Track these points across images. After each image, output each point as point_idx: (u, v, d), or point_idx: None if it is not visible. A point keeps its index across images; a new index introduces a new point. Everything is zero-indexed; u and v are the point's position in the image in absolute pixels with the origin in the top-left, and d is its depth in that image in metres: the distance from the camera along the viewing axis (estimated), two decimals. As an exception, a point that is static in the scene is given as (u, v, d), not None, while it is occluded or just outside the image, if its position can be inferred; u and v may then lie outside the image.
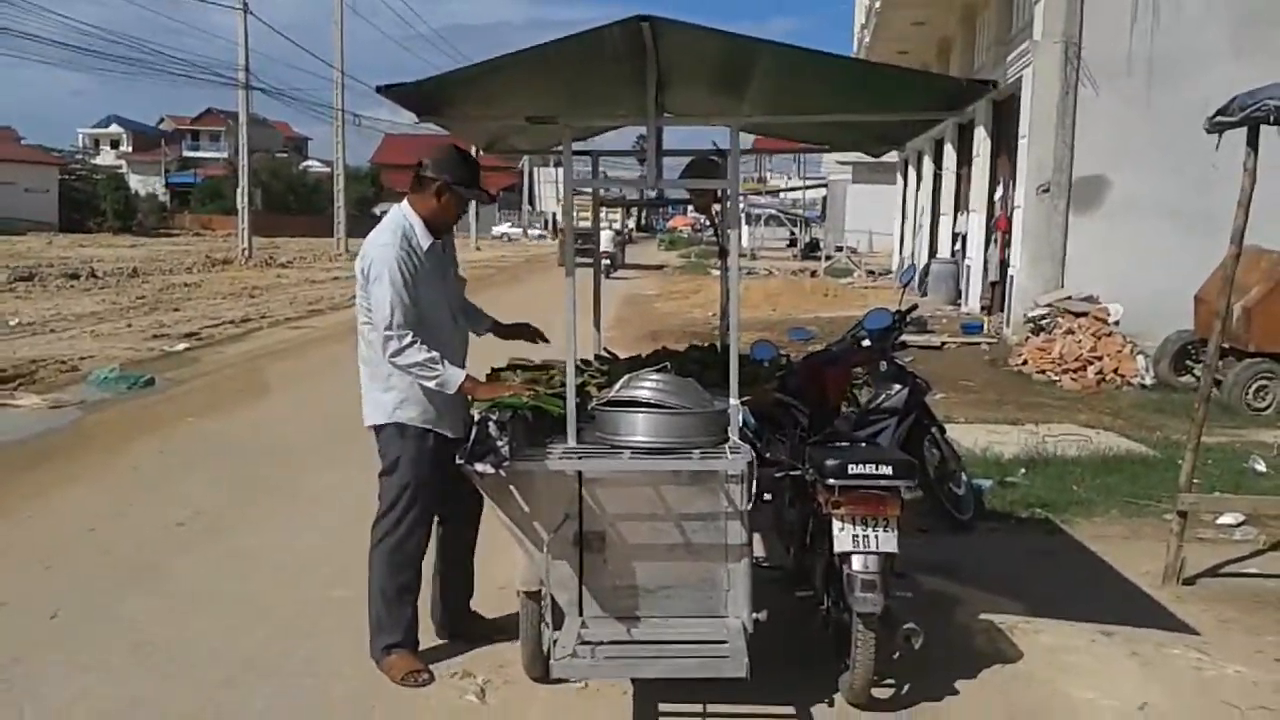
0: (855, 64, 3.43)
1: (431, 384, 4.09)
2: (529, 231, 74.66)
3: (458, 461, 3.73)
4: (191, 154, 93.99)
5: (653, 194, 5.11)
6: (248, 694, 4.36)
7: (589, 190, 5.27)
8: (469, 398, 4.23)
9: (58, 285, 24.75)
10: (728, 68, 3.66)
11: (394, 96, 3.51)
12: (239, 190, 39.11)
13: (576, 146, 5.22)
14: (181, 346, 15.04)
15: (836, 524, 3.99)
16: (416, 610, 4.48)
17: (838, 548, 3.98)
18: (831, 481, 3.96)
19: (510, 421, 3.79)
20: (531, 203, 78.88)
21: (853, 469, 3.96)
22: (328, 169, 58.05)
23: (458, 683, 4.37)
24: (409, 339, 4.07)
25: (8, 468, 8.06)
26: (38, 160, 66.99)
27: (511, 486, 3.84)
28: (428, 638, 4.66)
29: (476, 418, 3.88)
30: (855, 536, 3.96)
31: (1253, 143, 5.59)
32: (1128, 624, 5.10)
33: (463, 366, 4.34)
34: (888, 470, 3.96)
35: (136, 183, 78.81)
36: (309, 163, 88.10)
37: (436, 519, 4.57)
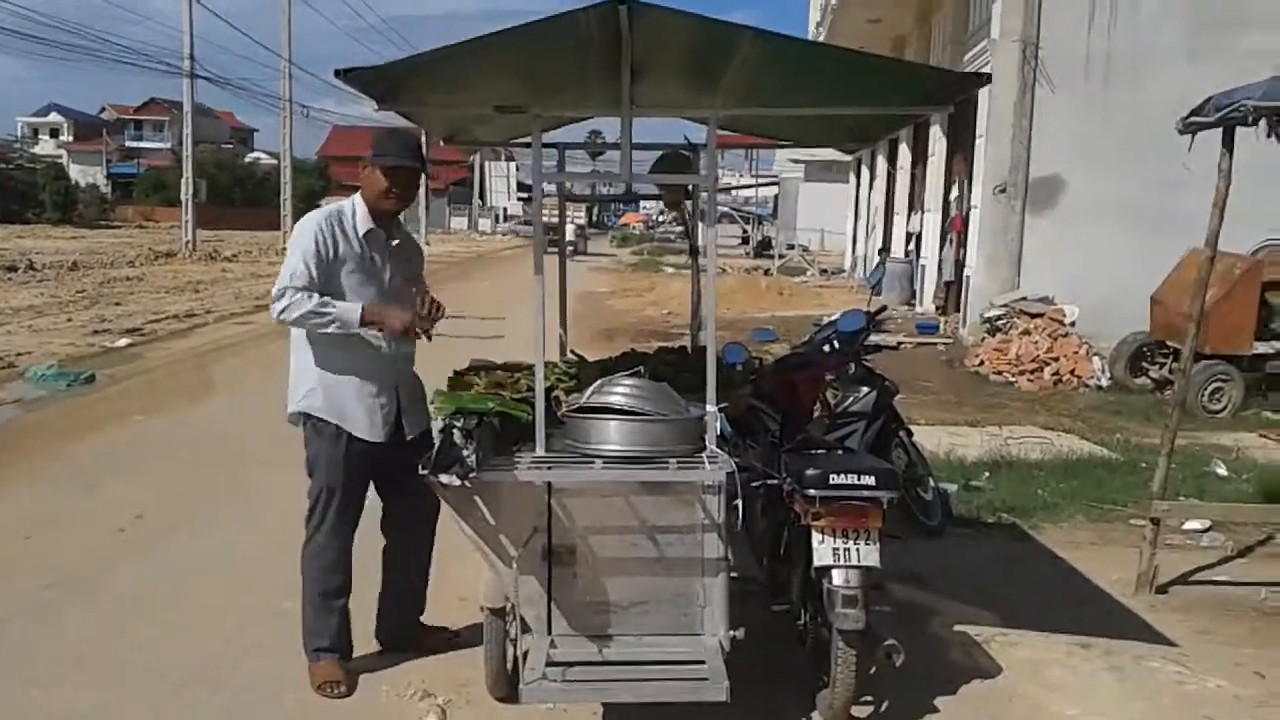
0: (842, 54, 3.25)
1: (331, 328, 3.94)
2: (480, 226, 74.04)
3: (421, 472, 3.50)
4: (134, 144, 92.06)
5: (620, 189, 4.89)
6: (195, 709, 4.16)
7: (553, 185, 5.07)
8: (393, 399, 4.21)
9: (-6, 278, 24.03)
10: (706, 56, 3.47)
11: (352, 82, 3.28)
12: (183, 181, 38.27)
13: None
14: (123, 342, 14.59)
15: (816, 536, 3.82)
16: (347, 617, 4.34)
17: (817, 561, 3.81)
18: (812, 492, 3.79)
19: (476, 429, 3.57)
20: (482, 197, 78.18)
21: (834, 479, 3.79)
22: (274, 161, 57.16)
23: (417, 703, 4.15)
24: (296, 295, 3.92)
25: (-61, 469, 7.69)
26: (-27, 149, 65.31)
27: (477, 498, 3.62)
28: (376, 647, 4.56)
29: (440, 425, 3.64)
30: (836, 550, 3.79)
31: (1228, 144, 5.50)
32: (1104, 635, 5.00)
33: (400, 381, 4.26)
34: (870, 480, 3.79)
35: (77, 173, 77.17)
36: (255, 154, 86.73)
37: (383, 531, 4.50)
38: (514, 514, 3.66)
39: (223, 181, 68.36)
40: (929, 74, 3.70)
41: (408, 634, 4.58)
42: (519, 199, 77.12)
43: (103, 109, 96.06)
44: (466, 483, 3.50)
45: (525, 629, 3.79)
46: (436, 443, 3.55)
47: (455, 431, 3.52)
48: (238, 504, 6.95)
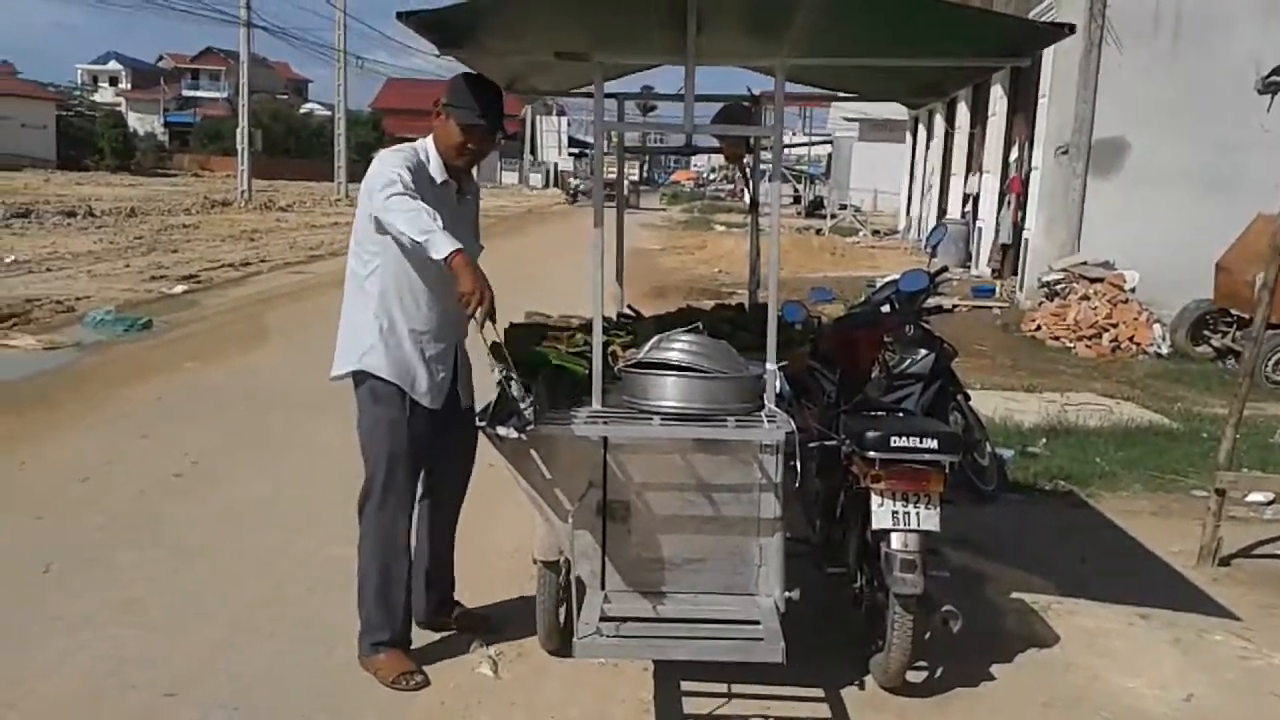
0: (925, 2, 3.12)
1: (421, 237, 3.41)
2: (530, 182, 73.98)
3: (479, 425, 3.46)
4: (191, 93, 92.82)
5: (679, 142, 4.80)
6: (243, 656, 4.15)
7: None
8: (466, 360, 3.94)
9: (54, 223, 24.36)
10: (772, 3, 3.36)
11: (414, 25, 3.21)
12: (239, 131, 38.49)
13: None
14: (180, 289, 14.74)
15: (875, 499, 3.75)
16: (410, 602, 4.08)
17: (876, 524, 3.75)
18: (872, 454, 3.72)
19: (534, 382, 3.53)
20: (533, 153, 78.05)
21: (895, 441, 3.71)
22: (329, 112, 57.34)
23: (468, 656, 4.15)
24: (411, 194, 3.51)
25: (1, 411, 7.80)
26: (35, 95, 66.16)
27: (533, 451, 3.59)
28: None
29: (497, 378, 3.59)
30: (895, 513, 3.72)
31: (1312, 105, 5.30)
32: (1165, 607, 4.90)
33: (463, 333, 3.96)
34: (932, 444, 3.71)
35: (135, 121, 77.96)
36: (310, 105, 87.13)
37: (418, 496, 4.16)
38: (570, 468, 3.62)
39: (277, 132, 68.77)
40: (1010, 23, 3.55)
41: (443, 611, 4.38)
42: (570, 154, 77.03)
43: (161, 58, 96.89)
44: (524, 435, 3.46)
45: (579, 583, 3.76)
46: (495, 395, 3.50)
47: (513, 383, 3.48)
48: (289, 451, 7.02)
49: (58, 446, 6.98)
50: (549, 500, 3.64)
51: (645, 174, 69.29)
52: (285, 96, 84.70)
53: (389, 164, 3.66)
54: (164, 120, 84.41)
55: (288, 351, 10.43)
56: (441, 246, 3.40)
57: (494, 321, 3.49)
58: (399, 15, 3.12)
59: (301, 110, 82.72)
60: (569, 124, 79.74)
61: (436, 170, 3.87)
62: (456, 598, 4.43)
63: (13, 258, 16.91)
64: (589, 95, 4.79)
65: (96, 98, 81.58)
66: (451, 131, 3.82)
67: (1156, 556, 5.67)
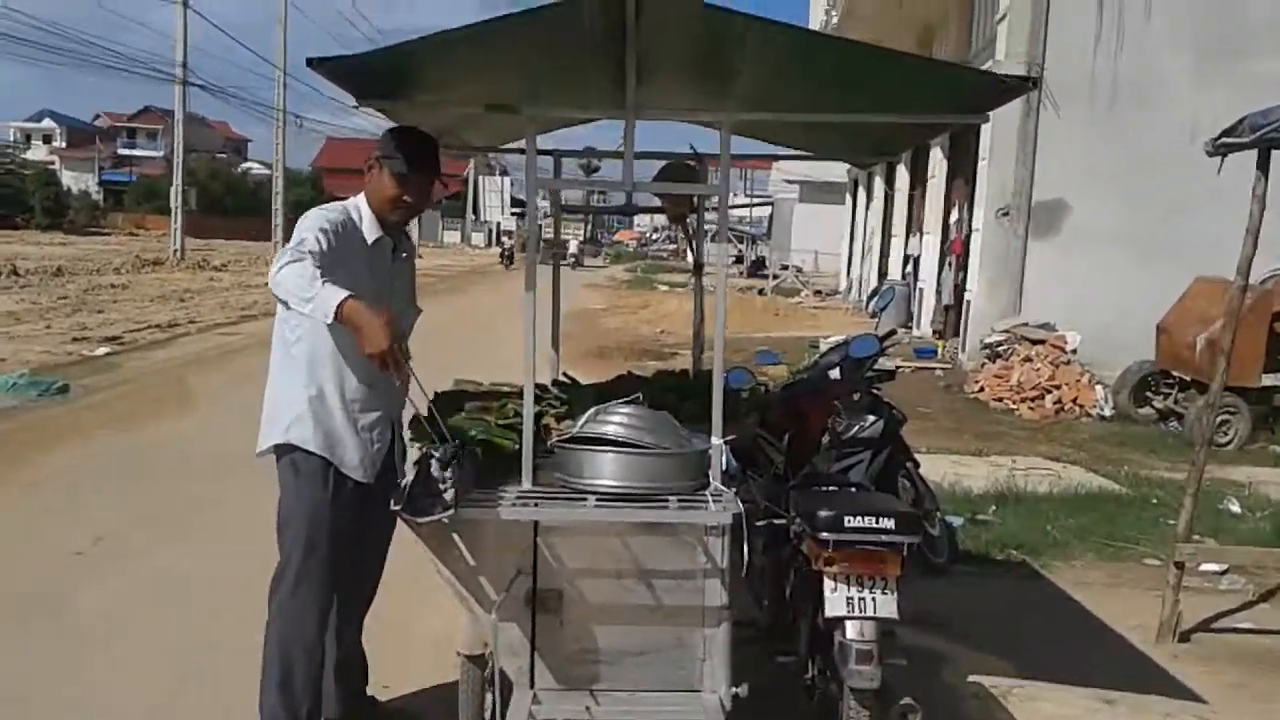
0: (873, 52, 2.90)
1: (307, 307, 3.06)
2: (473, 241, 73.77)
3: (394, 507, 3.13)
4: (128, 151, 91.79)
5: (620, 199, 4.55)
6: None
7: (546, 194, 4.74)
8: (387, 432, 3.63)
9: (-25, 282, 23.62)
10: (720, 54, 3.13)
11: (328, 72, 2.94)
12: (172, 189, 37.90)
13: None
14: (102, 351, 14.19)
15: (829, 584, 3.47)
16: (318, 697, 3.69)
17: (829, 611, 3.46)
18: (825, 535, 3.44)
19: (456, 460, 3.21)
20: (476, 212, 77.92)
21: (850, 521, 3.44)
22: (268, 171, 56.81)
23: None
24: (302, 256, 3.15)
25: (-108, 483, 7.31)
26: (-36, 153, 64.90)
27: (455, 535, 3.25)
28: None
29: (417, 455, 3.27)
30: (850, 599, 3.44)
31: (1263, 166, 5.19)
32: (1129, 689, 4.67)
33: (397, 405, 3.68)
34: (889, 523, 3.44)
35: (70, 179, 76.80)
36: (249, 164, 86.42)
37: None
38: (496, 554, 3.29)
39: (215, 190, 68.03)
40: (972, 78, 3.35)
41: (359, 707, 4.01)
42: (512, 214, 76.88)
43: (97, 116, 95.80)
44: (444, 519, 3.14)
45: (505, 681, 3.42)
46: (410, 474, 3.18)
47: (433, 461, 3.16)
48: (204, 527, 6.59)
49: (-49, 523, 6.51)
50: (472, 590, 3.31)
51: (589, 234, 69.31)
52: (224, 155, 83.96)
53: (304, 228, 3.37)
54: (99, 179, 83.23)
55: (211, 417, 9.96)
56: (328, 304, 3.04)
57: (404, 357, 3.22)
58: (309, 62, 2.84)
59: (240, 169, 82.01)
60: (511, 183, 79.75)
61: (369, 228, 3.59)
62: (370, 690, 4.06)
63: (-75, 318, 16.27)
64: (549, 153, 4.58)
65: (29, 155, 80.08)
66: (385, 184, 3.55)
67: (1115, 632, 5.46)
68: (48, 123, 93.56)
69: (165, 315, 19.04)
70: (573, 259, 50.70)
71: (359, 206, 3.61)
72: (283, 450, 3.57)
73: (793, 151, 5.10)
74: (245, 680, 4.06)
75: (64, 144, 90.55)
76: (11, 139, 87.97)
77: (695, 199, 4.68)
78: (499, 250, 51.35)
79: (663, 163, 4.38)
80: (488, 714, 3.64)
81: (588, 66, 3.35)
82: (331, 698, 3.88)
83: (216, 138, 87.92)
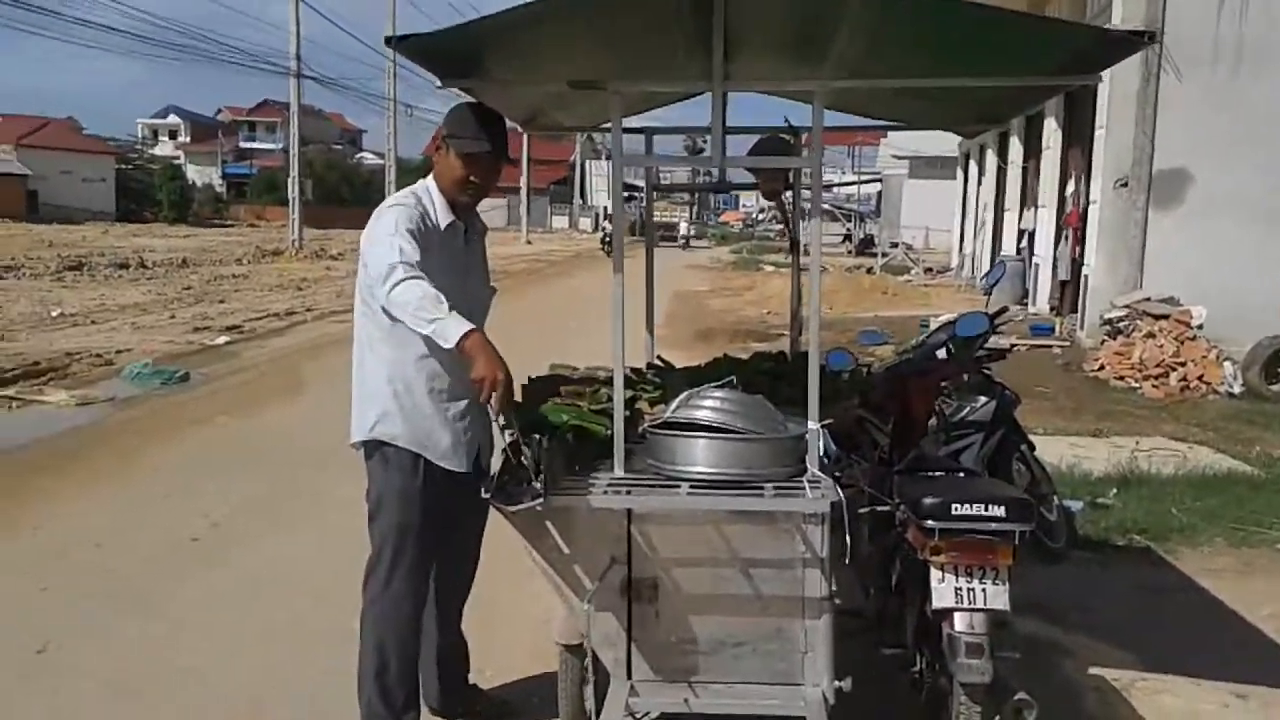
0: (974, 10, 2.71)
1: (428, 329, 3.10)
2: (580, 226, 74.21)
3: (484, 495, 3.09)
4: (248, 145, 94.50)
5: (698, 176, 4.44)
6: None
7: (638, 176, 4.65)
8: (489, 417, 3.51)
9: (105, 275, 24.56)
10: (812, 19, 3.00)
11: (409, 52, 2.89)
12: (290, 180, 38.87)
13: (629, 123, 4.60)
14: (222, 340, 14.63)
15: (935, 574, 3.32)
16: (417, 688, 3.70)
17: (936, 602, 3.32)
18: (931, 523, 3.29)
19: (548, 447, 3.15)
20: (583, 197, 78.34)
21: (957, 509, 3.28)
22: (382, 161, 57.98)
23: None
24: (412, 273, 3.14)
25: (23, 470, 7.61)
26: (95, 150, 67.71)
27: (548, 523, 3.21)
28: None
29: (507, 440, 3.23)
30: (959, 590, 3.29)
31: None
32: (1262, 683, 4.39)
33: (478, 405, 3.51)
34: (999, 511, 3.27)
35: (193, 173, 79.45)
36: (363, 155, 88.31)
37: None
38: (589, 543, 3.23)
39: (331, 181, 69.71)
40: (1082, 34, 3.15)
41: (458, 697, 3.98)
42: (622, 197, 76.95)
43: (219, 111, 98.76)
44: (538, 507, 3.09)
45: (603, 672, 3.37)
46: (499, 461, 3.13)
47: (524, 449, 3.11)
48: (314, 513, 6.68)
49: (75, 509, 6.73)
50: (567, 578, 3.26)
51: (693, 215, 69.14)
52: (340, 147, 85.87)
53: (389, 233, 3.30)
54: (221, 172, 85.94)
55: (325, 404, 10.09)
56: (451, 332, 3.07)
57: (510, 407, 3.15)
58: (387, 41, 2.79)
59: (355, 159, 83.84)
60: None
61: (442, 213, 3.53)
62: (473, 679, 4.05)
63: (59, 310, 16.94)
64: (639, 131, 4.48)
65: (156, 151, 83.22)
66: (452, 165, 3.49)
67: (1247, 622, 5.16)
68: (173, 118, 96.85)
69: (283, 304, 19.54)
70: (683, 240, 51.04)
71: (429, 190, 3.56)
72: (371, 445, 3.56)
73: (891, 123, 4.90)
74: (341, 670, 4.11)
75: (188, 139, 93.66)
76: (139, 135, 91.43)
77: (790, 175, 4.54)
78: (600, 235, 50.51)
79: (756, 138, 4.25)
80: (588, 704, 3.60)
81: (675, 39, 3.25)
82: (433, 686, 3.88)
83: (333, 129, 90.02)
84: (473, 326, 3.09)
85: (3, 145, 60.17)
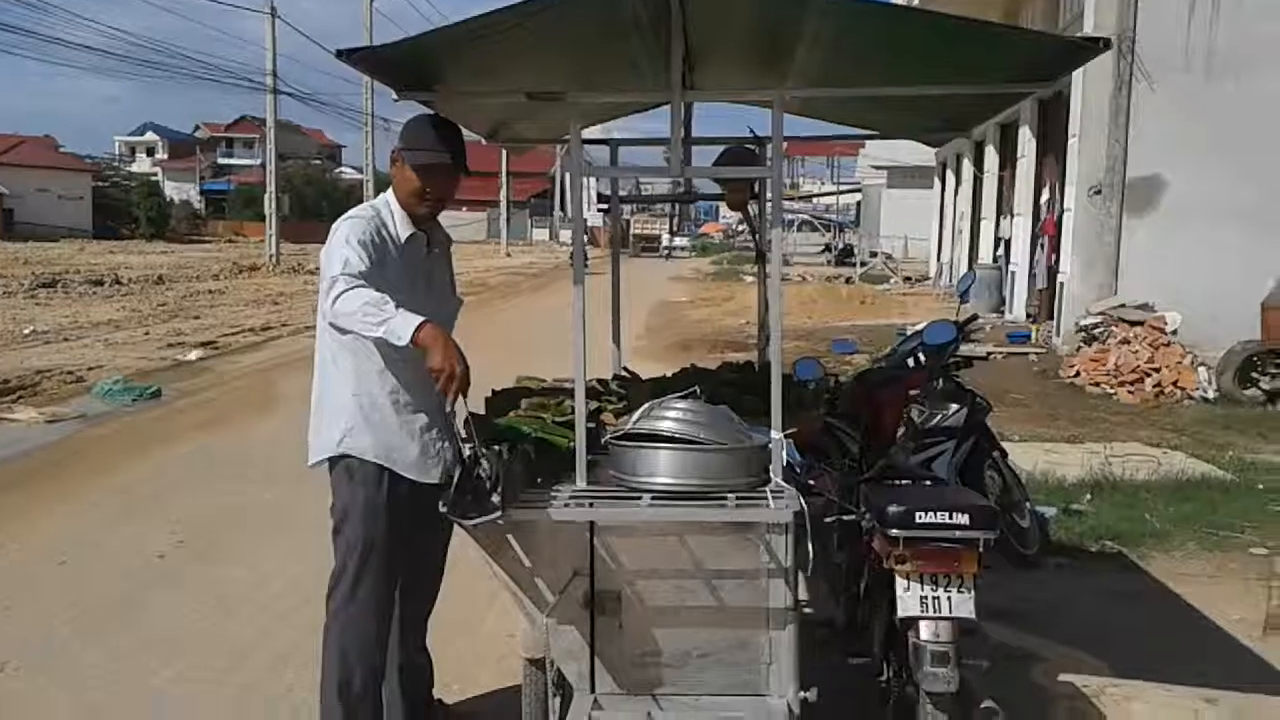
0: (932, 19, 2.71)
1: (380, 330, 3.07)
2: (560, 237, 74.20)
3: (441, 509, 3.05)
4: (226, 161, 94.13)
5: (679, 187, 4.43)
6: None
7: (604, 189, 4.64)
8: (453, 431, 3.50)
9: (80, 292, 24.36)
10: (771, 30, 2.99)
11: (363, 65, 2.87)
12: (266, 196, 38.75)
13: (594, 133, 4.59)
14: (195, 355, 14.52)
15: (900, 582, 3.30)
16: (380, 705, 3.64)
17: (902, 611, 3.30)
18: (895, 532, 3.27)
19: (508, 458, 3.12)
20: (563, 209, 78.30)
21: (921, 516, 3.26)
22: (360, 176, 57.83)
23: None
24: (354, 284, 3.12)
25: (-11, 490, 7.51)
26: (72, 168, 67.24)
27: (509, 537, 3.18)
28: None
29: (466, 453, 3.20)
30: (924, 598, 3.27)
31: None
32: (1232, 688, 4.39)
33: (443, 416, 3.53)
34: (964, 519, 3.26)
35: (172, 190, 79.02)
36: (343, 170, 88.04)
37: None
38: (552, 556, 3.20)
39: (310, 196, 69.42)
40: (1039, 41, 3.14)
41: (425, 713, 3.93)
42: (599, 210, 77.03)
43: (197, 127, 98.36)
44: (499, 520, 3.06)
45: (567, 685, 3.33)
46: (456, 474, 3.10)
47: (483, 461, 3.08)
48: (281, 530, 6.61)
49: (42, 526, 6.66)
50: (528, 592, 3.23)
51: (672, 227, 69.24)
52: (319, 162, 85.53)
53: (338, 244, 3.28)
54: (199, 188, 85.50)
55: (298, 420, 9.88)
56: (403, 330, 3.04)
57: (465, 396, 3.12)
58: (339, 54, 2.76)
59: (334, 174, 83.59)
60: (596, 180, 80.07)
61: (401, 225, 3.50)
62: (437, 694, 4.00)
63: (31, 328, 16.78)
64: (604, 143, 4.48)
65: (134, 168, 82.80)
66: (408, 177, 3.46)
67: (1216, 626, 5.16)
68: (150, 135, 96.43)
69: (259, 319, 19.43)
70: (666, 251, 51.30)
71: (389, 204, 3.53)
72: (337, 460, 3.52)
73: (857, 131, 4.91)
74: (313, 687, 4.06)
75: (166, 155, 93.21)
76: (117, 152, 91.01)
77: (756, 185, 4.53)
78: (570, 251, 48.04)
79: (721, 148, 4.24)
80: (552, 718, 3.56)
81: (634, 49, 3.23)
82: (396, 701, 3.82)
83: (311, 145, 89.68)
84: (424, 319, 3.06)
85: (-22, 164, 59.81)
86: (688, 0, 2.80)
